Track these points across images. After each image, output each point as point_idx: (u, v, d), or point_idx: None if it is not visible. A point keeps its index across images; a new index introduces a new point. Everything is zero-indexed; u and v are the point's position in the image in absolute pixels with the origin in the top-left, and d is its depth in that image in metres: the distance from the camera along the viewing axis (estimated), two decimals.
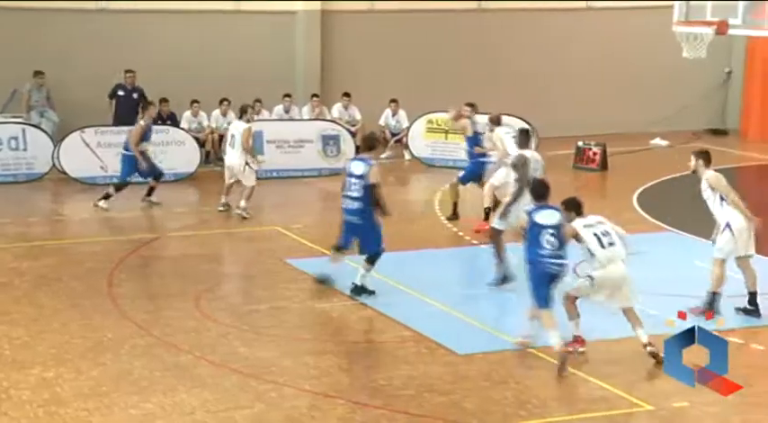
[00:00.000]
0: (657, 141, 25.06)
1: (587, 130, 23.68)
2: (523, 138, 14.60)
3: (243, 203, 16.96)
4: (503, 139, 16.86)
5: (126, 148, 17.89)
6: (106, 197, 17.70)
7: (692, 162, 12.37)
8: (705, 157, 12.40)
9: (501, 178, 15.42)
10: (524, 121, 22.01)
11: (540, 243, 10.65)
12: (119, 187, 17.88)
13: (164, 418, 9.35)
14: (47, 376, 10.28)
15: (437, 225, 16.94)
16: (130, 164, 17.84)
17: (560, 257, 10.68)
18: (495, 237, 13.42)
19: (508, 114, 21.98)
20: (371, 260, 12.78)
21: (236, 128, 17.15)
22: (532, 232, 10.75)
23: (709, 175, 12.32)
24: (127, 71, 21.29)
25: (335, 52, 24.05)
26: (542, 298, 10.69)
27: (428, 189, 19.79)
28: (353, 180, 12.62)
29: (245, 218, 16.82)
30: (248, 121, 17.23)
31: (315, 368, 10.61)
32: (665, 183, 20.56)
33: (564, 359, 10.40)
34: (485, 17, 25.05)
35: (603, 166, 21.88)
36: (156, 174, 18.11)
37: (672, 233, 16.27)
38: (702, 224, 16.44)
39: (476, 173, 17.09)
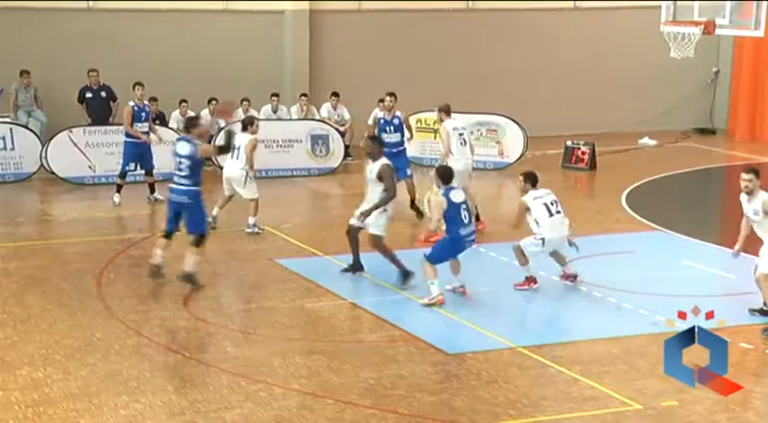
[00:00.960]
0: (646, 141, 25.12)
1: (576, 130, 23.75)
2: (377, 145, 13.64)
3: (251, 220, 16.06)
4: (449, 135, 16.19)
5: (126, 136, 18.12)
6: (118, 190, 18.08)
7: (744, 177, 11.85)
8: (760, 175, 11.78)
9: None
10: (513, 120, 22.09)
11: (461, 220, 12.45)
12: (122, 176, 18.21)
13: (153, 419, 9.33)
14: (35, 377, 10.25)
15: (426, 224, 16.90)
16: (128, 150, 18.11)
17: (473, 231, 12.71)
18: (379, 245, 13.36)
19: (498, 114, 22.14)
20: (198, 242, 13.07)
21: (241, 140, 16.00)
22: (452, 211, 12.44)
23: (765, 198, 11.72)
24: (90, 71, 20.94)
25: (324, 52, 24.05)
26: (440, 260, 12.48)
27: (417, 188, 19.77)
28: (181, 160, 12.91)
29: (258, 233, 15.93)
30: (253, 133, 16.23)
31: (304, 368, 10.60)
32: (653, 182, 20.61)
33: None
34: (473, 17, 25.07)
35: (592, 165, 21.91)
36: (148, 167, 18.29)
37: (660, 232, 16.30)
38: (691, 224, 16.57)
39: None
